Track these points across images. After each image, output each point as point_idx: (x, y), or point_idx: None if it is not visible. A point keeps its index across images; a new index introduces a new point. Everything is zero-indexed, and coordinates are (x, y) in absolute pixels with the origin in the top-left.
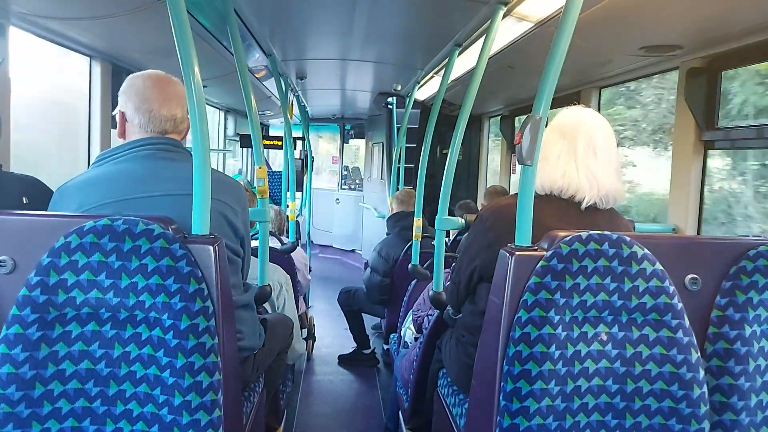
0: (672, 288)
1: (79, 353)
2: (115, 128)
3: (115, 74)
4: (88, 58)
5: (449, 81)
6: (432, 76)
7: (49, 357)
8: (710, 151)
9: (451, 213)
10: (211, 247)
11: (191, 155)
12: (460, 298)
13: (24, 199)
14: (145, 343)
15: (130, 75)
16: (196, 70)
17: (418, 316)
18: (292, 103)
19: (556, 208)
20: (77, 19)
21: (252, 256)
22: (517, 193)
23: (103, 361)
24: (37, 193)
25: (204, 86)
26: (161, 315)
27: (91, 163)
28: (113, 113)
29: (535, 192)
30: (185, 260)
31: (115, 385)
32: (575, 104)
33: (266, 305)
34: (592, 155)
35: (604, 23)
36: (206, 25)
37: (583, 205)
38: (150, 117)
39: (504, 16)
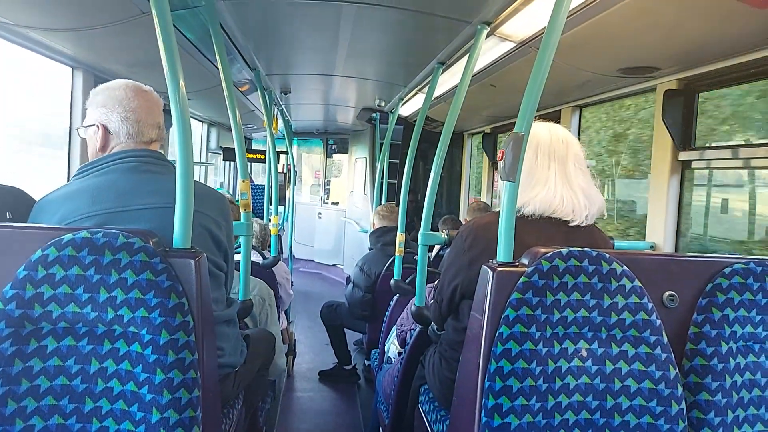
0: (650, 304)
1: (55, 369)
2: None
3: (98, 86)
4: (71, 69)
5: (432, 98)
6: (415, 93)
7: (23, 373)
8: None
9: (434, 228)
10: (192, 261)
11: (174, 168)
12: (442, 315)
13: (7, 214)
14: (123, 358)
15: (101, 86)
16: (182, 83)
17: (402, 331)
18: (276, 117)
19: (537, 228)
20: (60, 30)
21: (234, 270)
22: (495, 211)
23: (79, 377)
24: (21, 206)
25: (188, 99)
26: (140, 330)
27: (71, 176)
28: (83, 126)
29: (522, 213)
30: (166, 274)
31: (91, 401)
32: (542, 119)
33: (247, 320)
34: (581, 173)
35: (584, 45)
36: (191, 38)
37: (575, 223)
38: (139, 127)
39: (487, 36)
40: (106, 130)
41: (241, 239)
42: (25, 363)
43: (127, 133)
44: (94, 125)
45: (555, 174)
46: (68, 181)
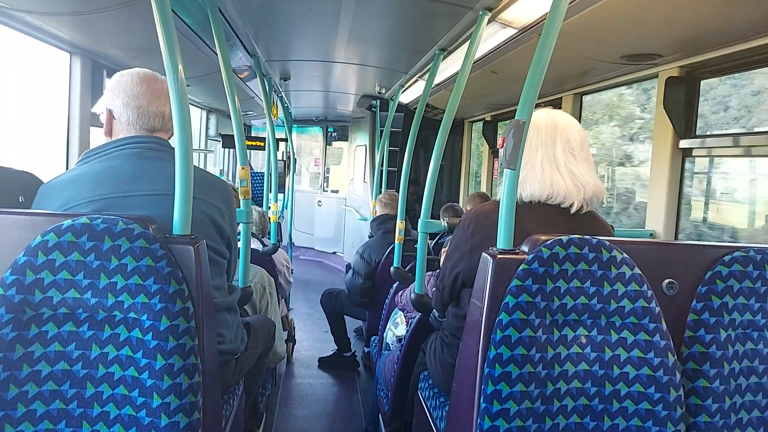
0: (650, 292)
1: (56, 354)
2: (99, 126)
3: (96, 71)
4: (69, 55)
5: (433, 85)
6: (416, 80)
7: (24, 358)
8: None
9: (436, 216)
10: (191, 248)
11: None
12: (444, 302)
13: (20, 197)
14: (124, 344)
15: (117, 73)
16: (180, 68)
17: (409, 314)
18: (275, 104)
19: (538, 215)
20: (58, 15)
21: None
22: (497, 199)
23: (80, 362)
24: (33, 190)
25: (187, 85)
26: (140, 316)
27: (75, 162)
28: (96, 111)
29: (520, 199)
30: (166, 260)
31: (92, 386)
32: (543, 107)
33: (247, 307)
34: (572, 158)
35: (586, 31)
36: (190, 24)
37: (573, 210)
38: (139, 113)
39: (488, 22)
40: (111, 116)
41: (241, 226)
42: (26, 348)
43: (128, 120)
44: (105, 110)
45: (542, 158)
46: (67, 167)
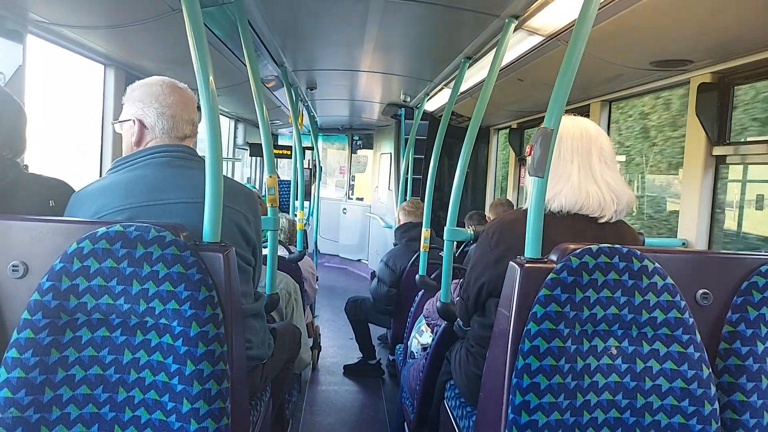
0: (683, 303)
1: (89, 359)
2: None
3: (129, 82)
4: (103, 67)
5: (458, 93)
6: (441, 88)
7: (59, 362)
8: None
9: (460, 224)
10: (221, 255)
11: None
12: (469, 313)
13: (51, 202)
14: (155, 349)
15: (138, 83)
16: (211, 79)
17: (431, 322)
18: (301, 113)
19: (565, 225)
20: (94, 28)
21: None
22: (521, 208)
23: (113, 366)
24: (64, 197)
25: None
26: (171, 322)
27: (106, 170)
28: (119, 121)
29: (548, 210)
30: (196, 267)
31: (124, 391)
32: (569, 114)
33: (274, 314)
34: (607, 168)
35: (615, 37)
36: (219, 35)
37: (604, 220)
38: (174, 122)
39: (515, 30)
40: (142, 125)
41: (268, 234)
42: (61, 353)
43: (162, 129)
44: (130, 120)
45: (578, 168)
46: (100, 175)
